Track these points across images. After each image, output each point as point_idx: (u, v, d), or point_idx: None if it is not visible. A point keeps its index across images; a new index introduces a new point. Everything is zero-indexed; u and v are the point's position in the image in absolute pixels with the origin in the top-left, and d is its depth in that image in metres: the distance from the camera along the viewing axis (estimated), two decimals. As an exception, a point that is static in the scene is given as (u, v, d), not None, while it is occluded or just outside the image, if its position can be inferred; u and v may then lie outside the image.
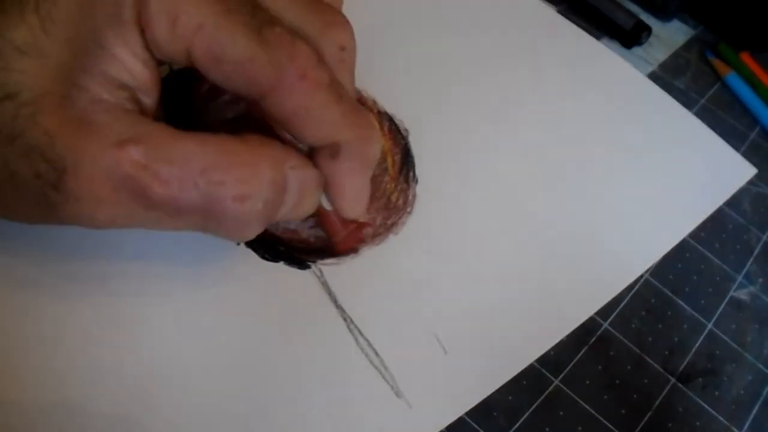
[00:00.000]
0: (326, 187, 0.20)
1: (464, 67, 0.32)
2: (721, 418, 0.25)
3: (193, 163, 0.17)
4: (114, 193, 0.16)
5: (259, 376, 0.22)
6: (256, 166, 0.17)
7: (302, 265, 0.24)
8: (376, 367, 0.23)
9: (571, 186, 0.29)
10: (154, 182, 0.16)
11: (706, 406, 0.25)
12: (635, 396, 0.25)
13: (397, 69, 0.31)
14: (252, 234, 0.19)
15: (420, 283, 0.25)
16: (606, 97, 0.33)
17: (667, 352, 0.26)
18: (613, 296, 0.27)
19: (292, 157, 0.18)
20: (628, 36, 0.36)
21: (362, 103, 0.29)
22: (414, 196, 0.27)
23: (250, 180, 0.17)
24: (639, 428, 0.24)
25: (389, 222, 0.26)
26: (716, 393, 0.26)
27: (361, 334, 0.23)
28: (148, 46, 0.17)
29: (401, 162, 0.28)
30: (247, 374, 0.22)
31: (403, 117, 0.29)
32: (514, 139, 0.30)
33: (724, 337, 0.27)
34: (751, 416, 0.25)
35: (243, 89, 0.18)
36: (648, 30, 0.37)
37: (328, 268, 0.24)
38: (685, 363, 0.26)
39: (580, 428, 0.24)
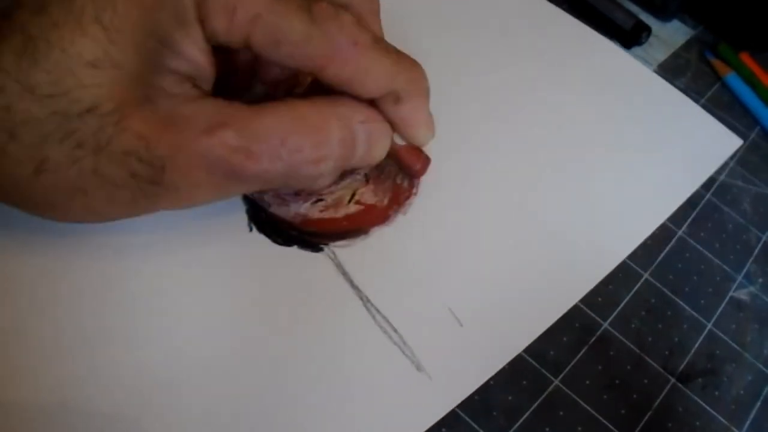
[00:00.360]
0: (398, 128, 0.22)
1: (466, 61, 0.32)
2: (721, 418, 0.25)
3: (275, 136, 0.18)
4: (209, 176, 0.18)
5: (281, 360, 0.22)
6: (327, 130, 0.19)
7: (315, 248, 0.25)
8: (395, 343, 0.23)
9: (564, 163, 0.30)
10: (246, 161, 0.18)
11: (706, 406, 0.25)
12: (635, 396, 0.25)
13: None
14: (324, 186, 0.21)
15: (431, 260, 0.26)
16: (587, 73, 0.34)
17: (667, 352, 0.26)
18: (620, 261, 0.28)
19: (359, 112, 0.20)
20: (628, 36, 0.36)
21: None
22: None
23: (323, 144, 0.19)
24: (639, 428, 0.24)
25: (396, 203, 0.27)
26: (716, 393, 0.26)
27: (378, 312, 0.24)
28: (207, 37, 0.18)
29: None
30: (268, 359, 0.22)
31: None
32: (514, 126, 0.31)
33: (724, 337, 0.27)
34: (751, 416, 0.25)
35: (303, 66, 0.19)
36: (648, 30, 0.37)
37: (342, 250, 0.25)
38: (685, 363, 0.26)
39: (580, 428, 0.24)
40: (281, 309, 0.23)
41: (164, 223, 0.23)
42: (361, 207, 0.26)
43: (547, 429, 0.23)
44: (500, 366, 0.24)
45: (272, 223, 0.25)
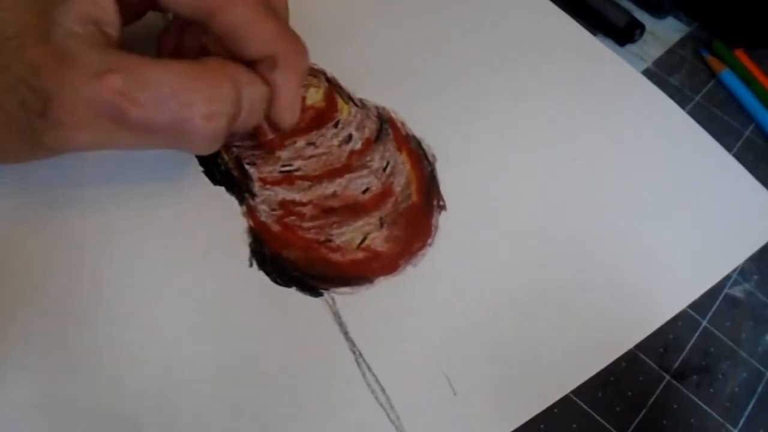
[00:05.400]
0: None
1: (498, 95, 0.31)
2: (716, 416, 0.25)
3: (166, 87, 0.19)
4: (95, 118, 0.18)
5: (261, 403, 0.21)
6: (221, 87, 0.20)
7: (315, 292, 0.24)
8: (381, 405, 0.22)
9: (600, 226, 0.28)
10: (132, 106, 0.18)
11: (700, 404, 0.25)
12: (630, 393, 0.25)
13: (429, 91, 0.30)
14: (215, 148, 0.21)
15: (434, 320, 0.24)
16: (652, 134, 0.32)
17: (661, 350, 0.26)
18: (632, 345, 0.25)
19: (245, 74, 0.21)
20: (621, 33, 0.36)
21: (391, 125, 0.28)
22: (436, 227, 0.26)
23: (216, 99, 0.20)
24: (634, 425, 0.24)
25: (408, 253, 0.25)
26: (711, 390, 0.25)
27: (369, 369, 0.23)
28: None
29: (426, 189, 0.27)
30: (249, 401, 0.21)
31: (432, 143, 0.28)
32: (547, 172, 0.29)
33: (719, 335, 0.27)
34: (746, 413, 0.25)
35: (195, 12, 0.20)
36: (641, 27, 0.36)
37: (341, 297, 0.24)
38: (679, 360, 0.26)
39: (574, 425, 0.24)
40: (268, 351, 0.22)
41: (164, 243, 0.23)
42: (370, 253, 0.25)
43: (542, 426, 0.23)
44: None
45: (274, 260, 0.24)
